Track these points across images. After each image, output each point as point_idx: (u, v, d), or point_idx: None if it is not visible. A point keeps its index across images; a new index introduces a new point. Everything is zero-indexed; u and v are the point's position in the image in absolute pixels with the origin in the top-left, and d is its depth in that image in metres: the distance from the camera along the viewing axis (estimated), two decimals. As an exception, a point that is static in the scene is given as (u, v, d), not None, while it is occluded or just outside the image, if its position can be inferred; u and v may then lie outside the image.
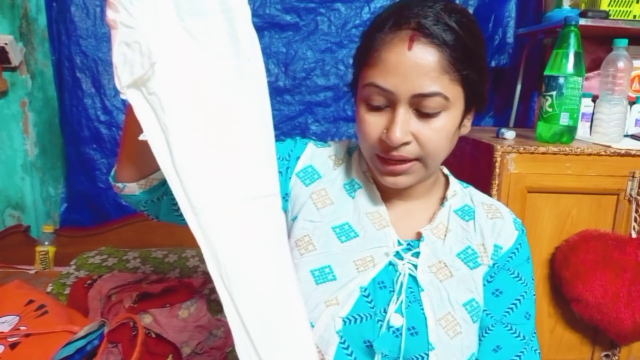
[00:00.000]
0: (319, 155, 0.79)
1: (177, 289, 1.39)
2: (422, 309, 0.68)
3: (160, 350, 1.28)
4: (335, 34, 1.85)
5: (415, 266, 0.71)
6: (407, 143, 0.65)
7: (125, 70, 0.53)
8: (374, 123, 0.67)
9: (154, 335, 1.29)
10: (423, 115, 0.65)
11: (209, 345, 1.37)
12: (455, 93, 0.66)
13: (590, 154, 1.29)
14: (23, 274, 1.71)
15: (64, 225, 1.94)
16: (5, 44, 1.72)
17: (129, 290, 1.40)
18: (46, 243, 1.78)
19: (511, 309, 0.75)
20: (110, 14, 0.51)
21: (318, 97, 1.88)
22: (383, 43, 0.66)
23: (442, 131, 0.66)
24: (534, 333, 0.76)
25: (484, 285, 0.74)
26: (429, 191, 0.78)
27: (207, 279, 1.53)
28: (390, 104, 0.66)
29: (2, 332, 1.13)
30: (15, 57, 1.76)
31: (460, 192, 0.79)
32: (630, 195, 1.31)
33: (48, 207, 1.94)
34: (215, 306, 1.48)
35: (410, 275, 0.70)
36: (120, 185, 0.69)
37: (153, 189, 0.69)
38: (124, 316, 1.29)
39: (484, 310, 0.74)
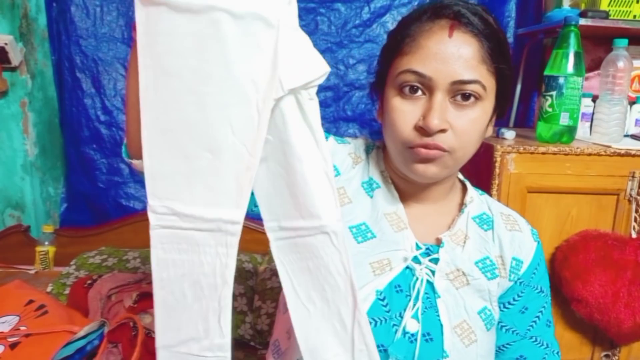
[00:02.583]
0: (339, 152, 0.77)
1: (177, 289, 1.39)
2: (438, 316, 0.68)
3: (160, 350, 1.27)
4: (335, 34, 1.85)
5: (433, 272, 0.70)
6: (444, 131, 0.64)
7: (294, 72, 0.49)
8: (408, 112, 0.66)
9: (154, 335, 1.29)
10: (459, 105, 0.65)
11: (209, 345, 1.37)
12: (490, 85, 0.66)
13: (590, 154, 1.29)
14: (23, 274, 1.71)
15: (64, 225, 1.94)
16: (5, 44, 1.71)
17: (129, 290, 1.40)
18: (46, 243, 1.78)
19: (535, 322, 0.76)
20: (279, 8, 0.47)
21: (318, 97, 1.87)
22: (421, 31, 0.66)
23: (476, 123, 0.66)
24: (553, 336, 0.79)
25: (511, 305, 0.75)
26: (447, 195, 0.77)
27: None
28: (428, 91, 0.65)
29: (2, 332, 1.13)
30: (15, 57, 1.76)
31: (477, 198, 0.79)
32: (630, 195, 1.31)
33: (48, 207, 1.94)
34: (215, 306, 1.48)
35: (428, 280, 0.69)
36: (128, 160, 0.67)
37: None
38: (124, 316, 1.29)
39: (509, 328, 0.75)
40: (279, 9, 0.47)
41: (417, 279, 0.69)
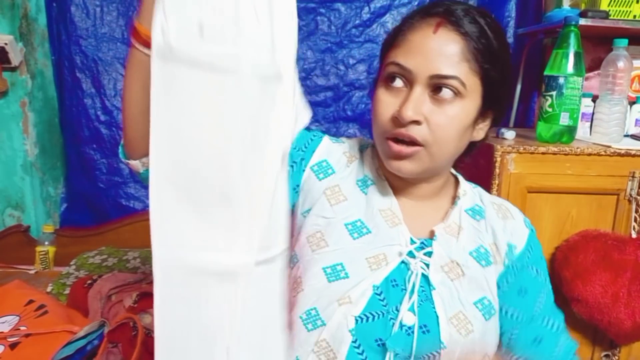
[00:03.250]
0: (334, 151, 0.79)
1: (177, 289, 1.39)
2: (434, 308, 0.69)
3: (160, 350, 1.27)
4: (335, 34, 1.85)
5: (428, 265, 0.71)
6: (417, 122, 0.66)
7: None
8: (388, 102, 0.68)
9: (153, 335, 1.29)
10: (438, 100, 0.66)
11: (209, 345, 1.37)
12: (472, 84, 0.67)
13: (590, 154, 1.29)
14: (23, 274, 1.71)
15: (64, 225, 1.94)
16: (5, 44, 1.71)
17: (129, 290, 1.40)
18: (46, 243, 1.78)
19: (540, 302, 0.77)
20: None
21: (318, 97, 1.88)
22: (410, 26, 0.68)
23: (454, 119, 0.67)
24: (563, 321, 0.79)
25: (507, 286, 0.75)
26: (440, 191, 0.78)
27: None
28: (409, 83, 0.67)
29: (2, 332, 1.13)
30: (15, 57, 1.76)
31: (470, 191, 0.80)
32: (630, 195, 1.31)
33: (48, 207, 1.94)
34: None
35: (423, 273, 0.70)
36: (125, 160, 0.68)
37: None
38: (124, 316, 1.29)
39: (512, 313, 0.75)
40: (289, 62, 0.49)
41: (412, 273, 0.70)
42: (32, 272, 1.76)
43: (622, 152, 1.29)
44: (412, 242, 0.72)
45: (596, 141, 1.38)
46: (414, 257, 0.71)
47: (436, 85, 0.66)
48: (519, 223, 0.79)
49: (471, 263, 0.73)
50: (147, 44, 0.54)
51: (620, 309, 1.24)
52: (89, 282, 1.46)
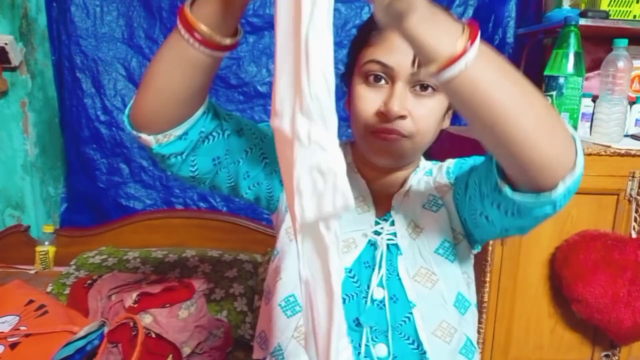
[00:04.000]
0: None
1: (177, 289, 1.39)
2: (399, 275, 0.73)
3: (160, 350, 1.28)
4: (335, 34, 1.85)
5: (395, 234, 0.75)
6: (403, 117, 0.69)
7: (312, 203, 0.43)
8: (371, 98, 0.71)
9: (154, 335, 1.29)
10: (418, 94, 0.70)
11: (209, 345, 1.37)
12: None
13: (590, 154, 1.28)
14: (23, 274, 1.71)
15: (64, 225, 1.94)
16: (5, 44, 1.71)
17: (129, 290, 1.40)
18: (46, 243, 1.78)
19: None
20: (301, 123, 0.44)
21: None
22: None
23: (434, 111, 0.71)
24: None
25: (459, 187, 0.76)
26: (409, 177, 0.82)
27: (207, 279, 1.53)
28: (390, 80, 0.70)
29: (2, 332, 1.14)
30: (15, 57, 1.76)
31: (430, 165, 0.85)
32: (630, 195, 1.31)
33: (48, 207, 1.94)
34: (215, 306, 1.48)
35: (391, 244, 0.75)
36: (135, 133, 0.65)
37: (170, 144, 0.65)
38: (124, 316, 1.29)
39: (467, 178, 0.74)
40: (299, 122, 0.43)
41: (379, 249, 0.75)
42: (32, 272, 1.76)
43: (622, 152, 1.29)
44: (377, 223, 0.77)
45: (596, 141, 1.38)
46: (380, 234, 0.76)
47: (416, 81, 0.69)
48: (451, 160, 0.83)
49: (425, 215, 0.77)
50: (190, 30, 0.55)
51: (620, 309, 1.24)
52: (89, 282, 1.46)
